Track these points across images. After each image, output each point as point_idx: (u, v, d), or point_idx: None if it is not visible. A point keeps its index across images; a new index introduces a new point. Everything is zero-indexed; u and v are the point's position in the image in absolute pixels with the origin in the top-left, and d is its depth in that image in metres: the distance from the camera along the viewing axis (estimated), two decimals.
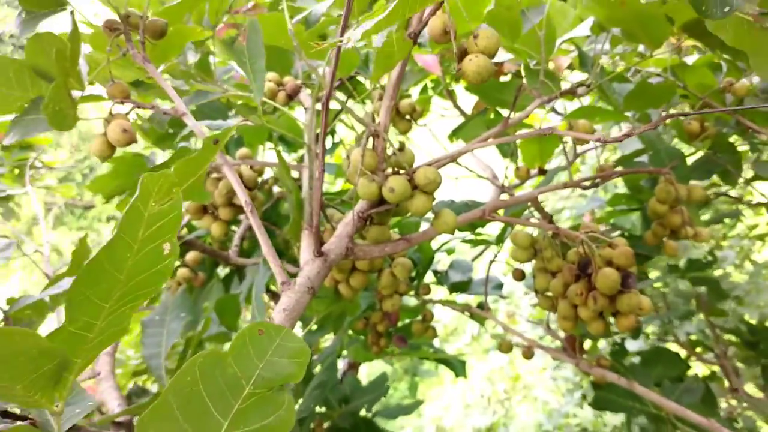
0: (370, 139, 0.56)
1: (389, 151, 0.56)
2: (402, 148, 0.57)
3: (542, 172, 1.15)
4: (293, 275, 0.53)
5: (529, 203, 0.79)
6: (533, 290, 0.85)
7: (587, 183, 0.81)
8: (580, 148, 1.08)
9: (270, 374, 0.36)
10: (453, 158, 0.61)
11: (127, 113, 0.58)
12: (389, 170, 0.56)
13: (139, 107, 0.60)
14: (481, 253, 1.69)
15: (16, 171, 2.90)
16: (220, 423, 0.35)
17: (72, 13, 0.60)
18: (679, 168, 0.96)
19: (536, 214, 0.88)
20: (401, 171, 0.55)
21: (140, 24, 0.63)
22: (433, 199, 0.55)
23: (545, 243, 0.79)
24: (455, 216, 0.55)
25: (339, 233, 0.56)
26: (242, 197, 0.54)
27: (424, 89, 1.63)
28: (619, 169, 0.99)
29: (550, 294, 0.80)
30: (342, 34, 0.49)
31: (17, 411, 0.35)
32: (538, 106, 0.84)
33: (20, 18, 0.67)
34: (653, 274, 1.59)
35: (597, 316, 0.67)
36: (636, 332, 1.16)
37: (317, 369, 1.16)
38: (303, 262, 0.55)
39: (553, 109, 1.27)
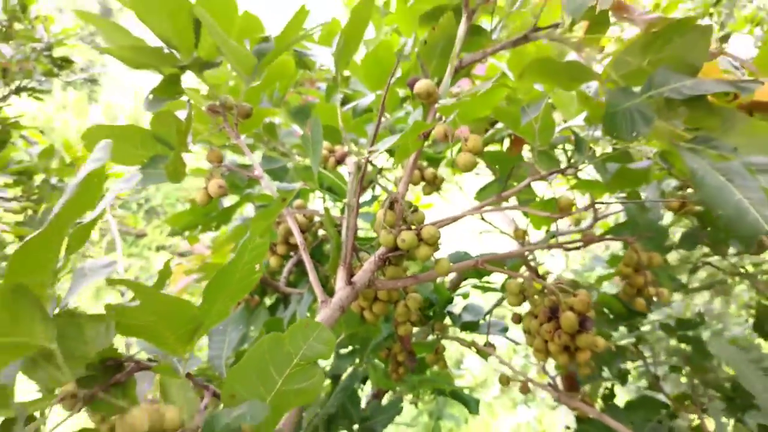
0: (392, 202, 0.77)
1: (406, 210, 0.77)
2: (415, 210, 0.79)
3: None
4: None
5: (520, 258, 0.98)
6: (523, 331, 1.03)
7: (570, 246, 1.00)
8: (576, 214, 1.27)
9: (310, 353, 0.56)
10: (453, 220, 0.82)
11: (222, 174, 0.82)
12: (404, 226, 0.77)
13: (229, 171, 0.83)
14: (499, 302, 1.86)
15: None
16: (276, 381, 0.56)
17: (189, 101, 0.85)
18: (657, 239, 1.14)
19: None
20: (412, 227, 0.76)
21: (235, 109, 0.87)
22: (435, 249, 0.76)
23: (532, 291, 0.98)
24: (449, 262, 0.76)
25: (364, 269, 0.77)
26: (298, 238, 0.76)
27: (460, 150, 1.86)
28: (610, 236, 1.18)
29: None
30: (377, 126, 0.71)
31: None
32: (536, 180, 1.05)
33: (148, 99, 0.92)
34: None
35: (562, 350, 0.85)
36: (623, 378, 1.31)
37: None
38: (337, 289, 0.76)
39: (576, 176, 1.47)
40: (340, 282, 0.77)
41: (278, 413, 0.55)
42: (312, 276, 0.74)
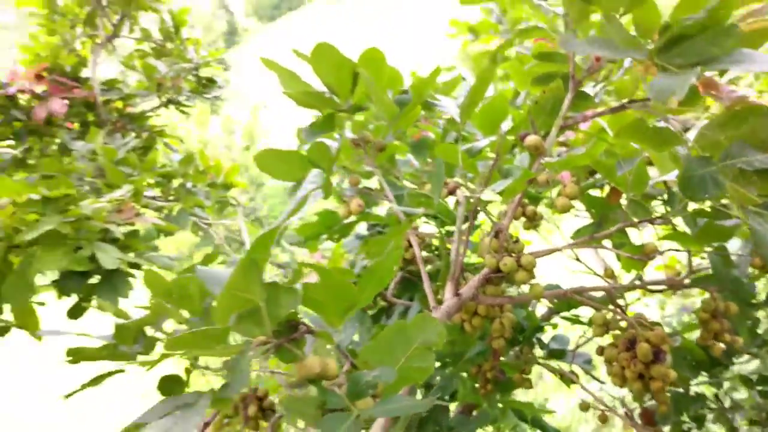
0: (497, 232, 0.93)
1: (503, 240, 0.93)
2: (516, 241, 0.94)
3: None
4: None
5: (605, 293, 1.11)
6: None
7: (654, 288, 1.12)
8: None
9: (425, 339, 0.73)
10: (549, 252, 0.97)
11: (359, 195, 1.01)
12: (506, 253, 0.92)
13: (362, 194, 1.03)
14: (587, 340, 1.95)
15: (217, 205, 3.58)
16: (400, 359, 0.73)
17: (341, 135, 1.06)
18: (741, 293, 1.22)
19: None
20: (513, 254, 0.91)
21: (373, 144, 1.07)
22: (531, 275, 0.91)
23: (615, 325, 1.09)
24: (543, 288, 0.91)
25: (469, 285, 0.93)
26: (417, 253, 0.94)
27: (560, 193, 1.99)
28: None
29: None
30: (492, 169, 0.88)
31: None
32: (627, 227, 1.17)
33: (305, 130, 1.14)
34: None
35: (636, 377, 0.97)
36: (700, 422, 1.38)
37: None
38: (446, 299, 0.93)
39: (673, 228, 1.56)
40: (448, 294, 0.94)
41: (401, 383, 0.72)
42: (426, 285, 0.91)
